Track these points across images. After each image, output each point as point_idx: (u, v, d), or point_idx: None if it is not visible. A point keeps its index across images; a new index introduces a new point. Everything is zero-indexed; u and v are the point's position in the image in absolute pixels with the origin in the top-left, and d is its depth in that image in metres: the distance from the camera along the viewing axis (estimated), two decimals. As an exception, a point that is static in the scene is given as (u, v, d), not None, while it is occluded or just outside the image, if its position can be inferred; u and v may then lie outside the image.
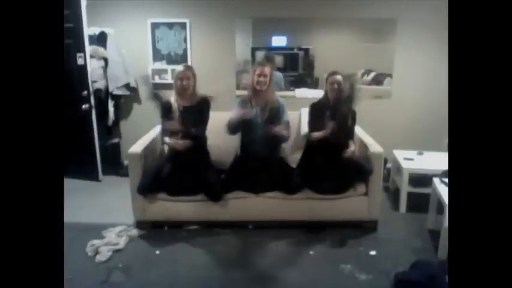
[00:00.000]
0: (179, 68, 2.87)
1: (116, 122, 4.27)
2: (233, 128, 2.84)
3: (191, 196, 2.81)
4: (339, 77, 2.86)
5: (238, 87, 4.16)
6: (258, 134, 2.80)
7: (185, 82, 2.79)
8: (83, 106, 3.78)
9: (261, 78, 2.83)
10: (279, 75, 4.10)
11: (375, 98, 4.16)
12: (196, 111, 2.85)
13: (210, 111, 2.93)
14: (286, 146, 3.10)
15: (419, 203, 3.21)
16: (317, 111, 2.92)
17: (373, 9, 3.91)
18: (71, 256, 2.43)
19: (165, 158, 2.79)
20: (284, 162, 2.98)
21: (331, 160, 2.76)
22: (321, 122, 2.82)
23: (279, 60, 4.18)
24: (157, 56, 4.15)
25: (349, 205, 2.86)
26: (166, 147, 3.01)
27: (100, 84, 3.93)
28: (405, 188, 3.27)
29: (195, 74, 2.90)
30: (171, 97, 2.90)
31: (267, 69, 2.85)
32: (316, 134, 2.83)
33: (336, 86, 2.86)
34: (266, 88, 2.86)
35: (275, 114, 2.90)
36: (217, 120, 3.00)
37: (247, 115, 2.77)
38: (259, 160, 2.78)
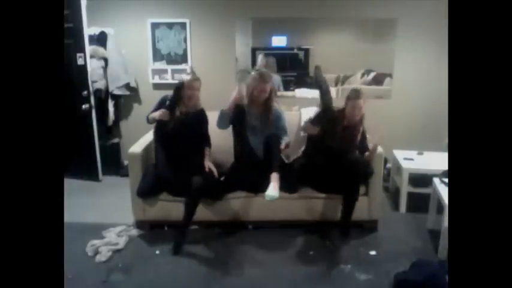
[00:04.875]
0: (187, 77, 2.77)
1: (116, 122, 4.27)
2: (225, 117, 2.79)
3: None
4: (361, 102, 2.72)
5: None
6: (256, 142, 2.80)
7: (194, 93, 2.76)
8: (83, 106, 3.78)
9: (262, 95, 2.78)
10: (277, 78, 4.09)
11: (374, 98, 4.16)
12: (195, 117, 2.83)
13: (208, 122, 2.92)
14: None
15: (419, 203, 3.21)
16: (329, 120, 2.80)
17: (373, 9, 3.91)
18: (71, 256, 2.43)
19: (164, 158, 2.77)
20: (283, 162, 2.96)
21: (333, 160, 2.74)
22: (328, 131, 2.76)
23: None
24: (157, 56, 4.15)
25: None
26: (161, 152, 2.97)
27: (100, 84, 3.93)
28: (405, 188, 3.27)
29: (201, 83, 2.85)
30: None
31: (268, 87, 2.77)
32: (309, 128, 2.80)
33: (356, 111, 2.72)
34: (265, 99, 2.82)
35: (272, 123, 2.87)
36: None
37: (239, 101, 2.72)
38: (258, 163, 2.76)
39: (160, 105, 2.84)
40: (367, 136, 2.94)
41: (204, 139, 2.93)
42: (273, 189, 2.52)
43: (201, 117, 2.89)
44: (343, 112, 2.78)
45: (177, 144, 2.76)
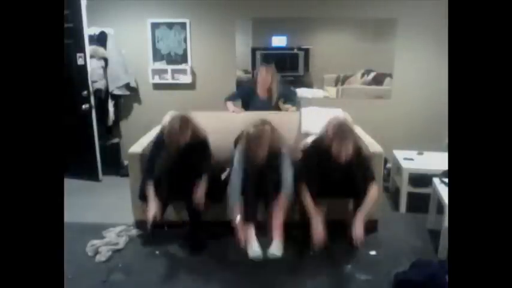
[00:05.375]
0: (173, 121, 2.53)
1: (116, 122, 4.28)
2: None
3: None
4: (348, 144, 2.34)
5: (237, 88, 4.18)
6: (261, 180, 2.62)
7: (180, 137, 2.53)
8: (83, 106, 3.78)
9: (259, 157, 2.51)
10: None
11: (374, 98, 4.17)
12: (195, 149, 2.64)
13: (210, 150, 2.75)
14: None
15: (419, 203, 3.21)
16: (318, 155, 2.56)
17: (373, 9, 3.92)
18: (71, 256, 2.43)
19: (164, 160, 2.73)
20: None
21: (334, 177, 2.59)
22: (320, 164, 2.56)
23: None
24: (157, 56, 4.15)
25: (349, 205, 2.86)
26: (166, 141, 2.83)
27: (100, 84, 3.93)
28: (405, 188, 3.27)
29: (193, 122, 2.62)
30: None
31: (264, 148, 2.49)
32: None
33: (342, 153, 2.34)
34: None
35: (275, 163, 2.64)
36: (218, 120, 3.01)
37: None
38: (260, 173, 2.67)
39: (157, 147, 2.69)
40: (364, 153, 2.70)
41: (203, 166, 2.69)
42: (275, 247, 2.39)
43: (200, 148, 2.69)
44: (329, 151, 2.41)
45: (172, 174, 2.63)
